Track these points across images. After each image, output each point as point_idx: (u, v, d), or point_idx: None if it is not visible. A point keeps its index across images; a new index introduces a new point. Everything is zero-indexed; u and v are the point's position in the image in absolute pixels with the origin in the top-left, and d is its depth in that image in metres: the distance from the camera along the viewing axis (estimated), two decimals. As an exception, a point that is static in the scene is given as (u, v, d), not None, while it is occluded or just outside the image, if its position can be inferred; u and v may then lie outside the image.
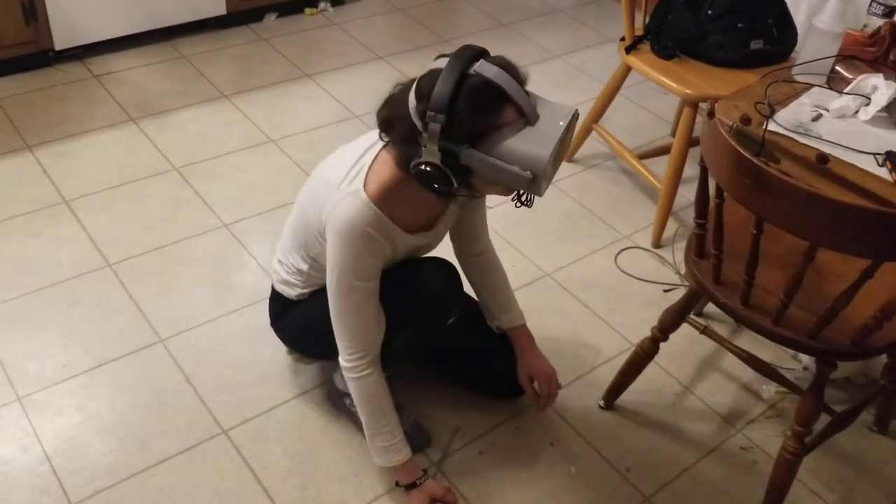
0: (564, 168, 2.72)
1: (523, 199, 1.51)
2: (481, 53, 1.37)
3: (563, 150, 1.42)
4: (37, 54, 2.84)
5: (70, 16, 2.83)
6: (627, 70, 2.43)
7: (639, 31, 2.40)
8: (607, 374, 1.94)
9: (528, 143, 1.33)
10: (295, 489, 1.70)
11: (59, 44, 2.87)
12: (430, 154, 1.35)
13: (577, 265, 2.33)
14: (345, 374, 1.59)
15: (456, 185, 1.38)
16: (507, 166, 1.34)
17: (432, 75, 1.34)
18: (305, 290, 1.71)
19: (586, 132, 2.66)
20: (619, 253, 2.39)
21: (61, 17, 2.81)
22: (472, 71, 1.32)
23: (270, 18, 3.35)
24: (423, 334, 1.67)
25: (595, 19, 3.65)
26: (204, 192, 2.45)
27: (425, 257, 1.69)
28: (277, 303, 1.80)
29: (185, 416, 1.82)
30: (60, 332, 1.99)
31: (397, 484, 1.68)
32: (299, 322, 1.77)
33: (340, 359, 1.58)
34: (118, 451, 1.74)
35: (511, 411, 1.89)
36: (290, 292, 1.74)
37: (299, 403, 1.87)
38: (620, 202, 2.59)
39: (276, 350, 1.97)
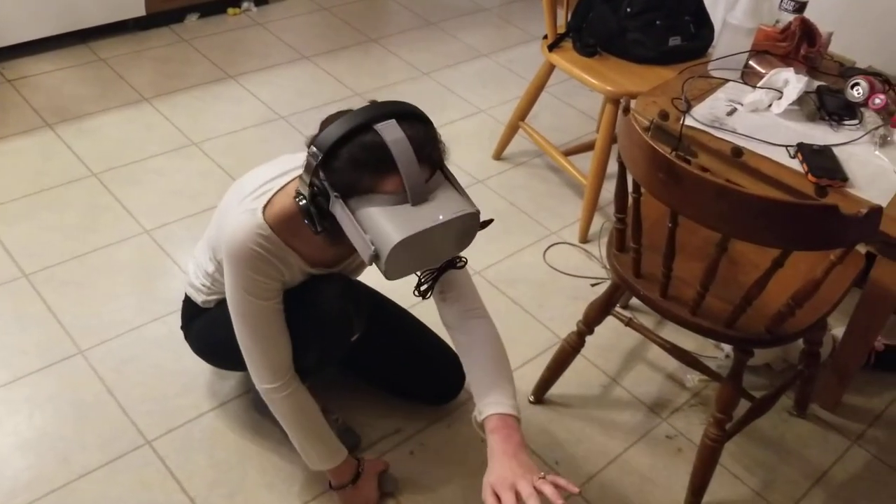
0: (493, 166, 2.73)
1: (420, 288, 1.48)
2: (402, 115, 1.28)
3: (436, 247, 1.32)
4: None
5: (-22, 18, 2.72)
6: (551, 68, 2.46)
7: (561, 30, 2.43)
8: (537, 370, 1.96)
9: (391, 221, 1.24)
10: (222, 498, 1.67)
11: (-32, 47, 2.76)
12: (304, 188, 1.32)
13: (505, 262, 2.35)
14: (264, 397, 1.54)
15: (319, 228, 1.32)
16: (361, 232, 1.26)
17: (343, 114, 1.30)
18: (211, 298, 1.67)
19: (513, 130, 2.69)
20: (547, 249, 2.41)
21: (-31, 19, 2.70)
22: (376, 126, 1.25)
23: (192, 19, 3.28)
24: (327, 353, 1.61)
25: (521, 18, 3.68)
26: (124, 199, 2.39)
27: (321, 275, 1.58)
28: (187, 307, 1.76)
29: (108, 428, 1.77)
30: (-28, 347, 1.91)
31: (331, 486, 1.65)
32: (205, 331, 1.73)
33: (255, 384, 1.53)
34: (38, 467, 1.68)
35: (443, 410, 1.89)
36: (197, 297, 1.70)
37: (225, 412, 1.84)
38: (548, 199, 2.62)
39: (199, 359, 1.93)
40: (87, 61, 2.97)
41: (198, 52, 3.11)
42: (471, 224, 1.32)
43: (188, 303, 1.75)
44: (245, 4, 3.40)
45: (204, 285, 1.67)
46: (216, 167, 2.56)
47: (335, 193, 1.28)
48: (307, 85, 3.01)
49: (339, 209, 1.29)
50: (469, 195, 1.35)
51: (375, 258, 1.26)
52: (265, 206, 1.44)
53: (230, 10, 3.37)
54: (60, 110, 2.70)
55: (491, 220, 1.40)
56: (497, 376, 1.48)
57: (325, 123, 1.32)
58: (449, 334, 1.58)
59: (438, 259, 1.41)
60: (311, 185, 1.30)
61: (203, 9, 3.29)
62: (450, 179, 1.34)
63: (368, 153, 1.25)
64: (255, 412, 1.83)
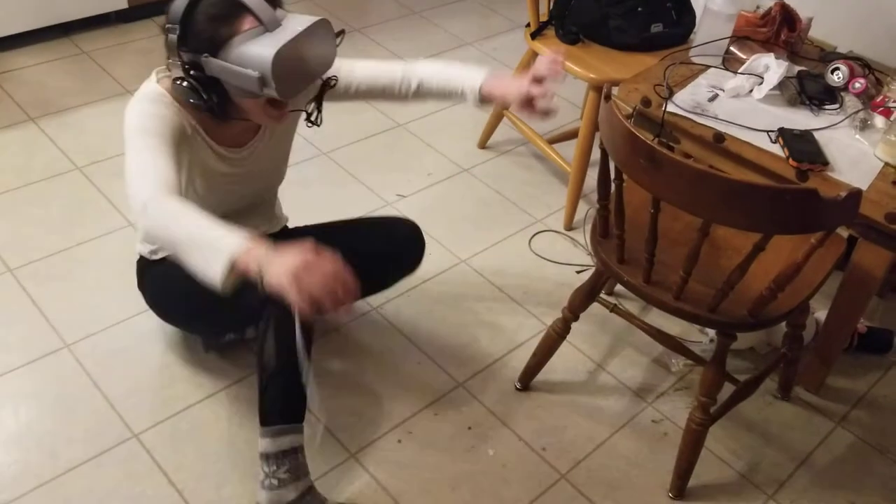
0: (478, 154, 2.74)
1: (311, 118, 1.61)
2: None
3: (309, 60, 1.45)
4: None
5: (-42, 11, 2.70)
6: (534, 56, 2.46)
7: (544, 18, 2.43)
8: (524, 357, 1.97)
9: (260, 46, 1.37)
10: (209, 490, 1.67)
11: (-52, 41, 2.74)
12: (176, 68, 1.42)
13: (491, 251, 2.36)
14: (140, 220, 1.34)
15: (206, 97, 1.43)
16: (240, 69, 1.38)
17: None
18: (156, 248, 1.70)
19: (498, 118, 2.69)
20: (532, 237, 2.42)
21: (-52, 13, 2.68)
22: None
23: (175, 11, 3.26)
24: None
25: (505, 6, 3.68)
26: (109, 192, 2.38)
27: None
28: (139, 264, 1.80)
29: (94, 422, 1.77)
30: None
31: (261, 282, 1.23)
32: (157, 283, 1.75)
33: (134, 204, 1.34)
34: (24, 462, 1.68)
35: (429, 398, 1.90)
36: (144, 249, 1.73)
37: (211, 403, 1.84)
38: (533, 187, 2.62)
39: (186, 350, 1.94)
40: (70, 54, 2.95)
41: (181, 44, 3.10)
42: (326, 31, 1.46)
43: (140, 260, 1.79)
44: (228, -5, 3.38)
45: None
46: (201, 159, 2.55)
47: (204, 55, 1.40)
48: (291, 76, 3.00)
49: (214, 66, 1.41)
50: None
51: (262, 82, 1.38)
52: (157, 82, 1.52)
53: (213, 2, 3.35)
54: (44, 104, 2.68)
55: (343, 31, 1.51)
56: (452, 68, 1.69)
57: (169, 2, 1.42)
58: (401, 103, 1.75)
59: (315, 72, 1.51)
60: (181, 61, 1.42)
61: (185, 0, 3.27)
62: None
63: (218, 6, 1.39)
64: (241, 404, 1.84)
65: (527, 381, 1.95)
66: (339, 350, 2.00)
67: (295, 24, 1.41)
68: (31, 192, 2.35)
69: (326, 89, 1.64)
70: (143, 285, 1.81)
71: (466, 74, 1.67)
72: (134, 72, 2.89)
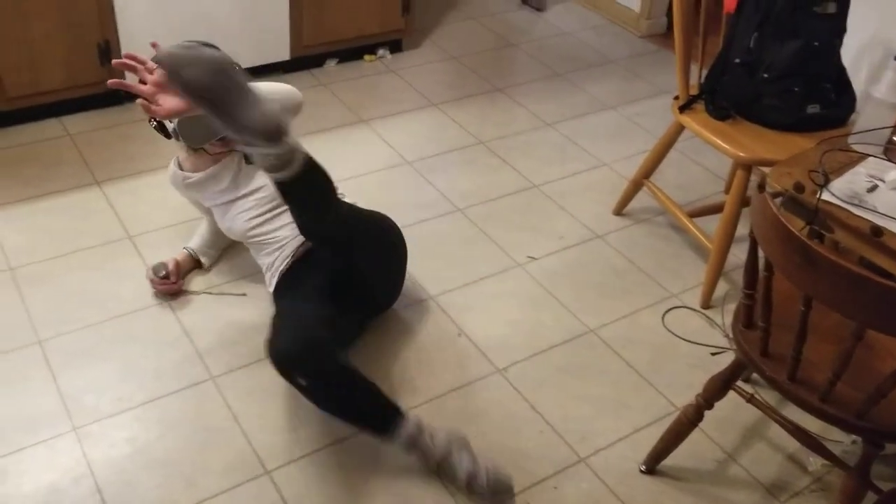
0: (612, 221, 2.72)
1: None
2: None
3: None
4: (110, 93, 2.97)
5: (141, 58, 2.96)
6: (680, 128, 2.44)
7: (693, 90, 2.40)
8: (649, 437, 1.92)
9: None
10: (332, 538, 1.72)
11: (130, 84, 3.00)
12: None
13: (621, 322, 2.33)
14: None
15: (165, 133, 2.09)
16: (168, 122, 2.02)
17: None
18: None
19: (636, 187, 2.67)
20: (666, 312, 2.37)
21: (133, 59, 2.94)
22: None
23: (331, 64, 3.45)
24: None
25: (650, 71, 3.67)
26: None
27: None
28: None
29: (232, 455, 1.86)
30: (118, 366, 2.06)
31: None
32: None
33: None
34: (165, 487, 1.79)
35: (549, 470, 1.89)
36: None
37: (341, 449, 1.90)
38: (669, 259, 2.58)
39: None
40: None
41: (334, 95, 3.27)
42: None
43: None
44: (381, 52, 3.55)
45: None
46: (344, 208, 2.66)
47: None
48: (433, 131, 3.10)
49: None
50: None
51: (175, 133, 2.07)
52: None
53: (367, 57, 3.52)
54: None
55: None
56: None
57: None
58: None
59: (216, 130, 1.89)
60: None
61: (342, 55, 3.46)
62: None
63: None
64: (366, 454, 1.88)
65: (653, 465, 1.90)
66: (460, 410, 2.02)
67: None
68: (187, 227, 2.52)
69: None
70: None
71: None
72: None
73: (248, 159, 2.09)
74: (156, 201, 2.61)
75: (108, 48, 2.86)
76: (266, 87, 1.83)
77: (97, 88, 2.91)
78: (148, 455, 1.85)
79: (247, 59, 3.19)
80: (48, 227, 2.48)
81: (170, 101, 1.68)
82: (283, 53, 3.26)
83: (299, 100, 1.97)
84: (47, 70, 2.81)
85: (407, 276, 2.43)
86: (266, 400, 2.00)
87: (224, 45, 3.09)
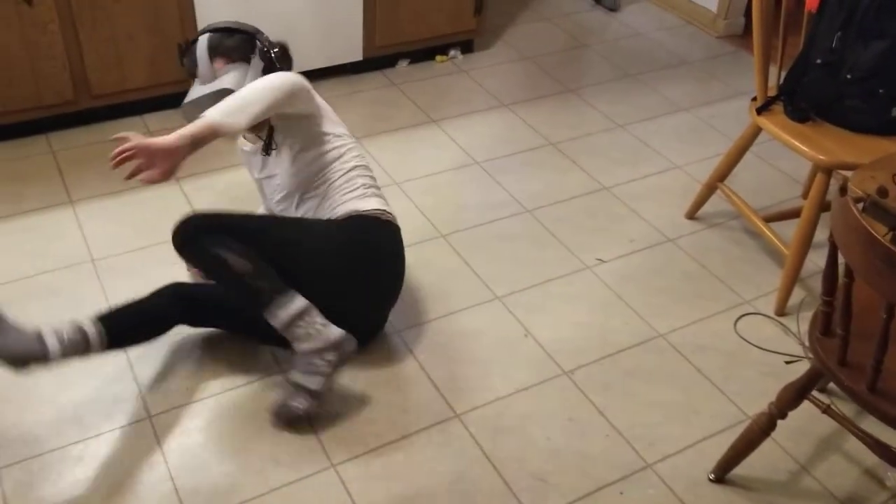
0: (685, 225, 2.67)
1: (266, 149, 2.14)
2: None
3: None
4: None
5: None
6: (757, 130, 2.38)
7: (772, 92, 2.34)
8: (719, 445, 1.88)
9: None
10: (396, 533, 1.74)
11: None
12: None
13: (692, 327, 2.28)
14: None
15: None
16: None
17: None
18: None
19: (710, 190, 2.61)
20: (738, 318, 2.32)
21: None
22: None
23: (402, 65, 3.48)
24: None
25: (726, 73, 3.58)
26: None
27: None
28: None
29: (299, 446, 1.90)
30: (193, 358, 2.12)
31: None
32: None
33: None
34: (235, 475, 1.83)
35: (616, 475, 1.87)
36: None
37: (405, 445, 1.92)
38: (743, 264, 2.52)
39: (385, 389, 2.03)
40: (307, 100, 3.23)
41: (405, 96, 3.30)
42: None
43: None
44: (452, 52, 3.56)
45: None
46: (413, 207, 2.69)
47: None
48: (504, 132, 3.10)
49: None
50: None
51: None
52: None
53: (438, 58, 3.54)
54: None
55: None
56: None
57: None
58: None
59: None
60: None
61: (413, 55, 3.49)
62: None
63: None
64: (434, 450, 1.89)
65: (722, 474, 1.86)
66: (526, 412, 2.01)
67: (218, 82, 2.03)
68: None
69: None
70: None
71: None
72: (361, 120, 3.12)
73: (266, 149, 2.12)
74: (233, 197, 2.69)
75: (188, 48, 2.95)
76: (245, 92, 1.84)
77: (177, 87, 3.00)
78: (220, 444, 1.90)
79: (318, 60, 3.25)
80: (130, 219, 2.57)
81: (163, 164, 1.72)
82: (355, 54, 3.31)
83: (288, 88, 1.89)
84: (131, 69, 2.92)
85: (475, 275, 2.45)
86: (331, 395, 2.03)
87: (298, 46, 3.18)
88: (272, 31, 3.07)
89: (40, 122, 2.90)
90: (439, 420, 1.98)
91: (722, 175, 2.54)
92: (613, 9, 4.08)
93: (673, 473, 1.88)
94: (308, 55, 3.23)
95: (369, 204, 2.08)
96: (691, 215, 2.70)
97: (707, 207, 2.69)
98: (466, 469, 1.87)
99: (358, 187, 2.10)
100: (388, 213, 2.12)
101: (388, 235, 2.09)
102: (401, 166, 2.89)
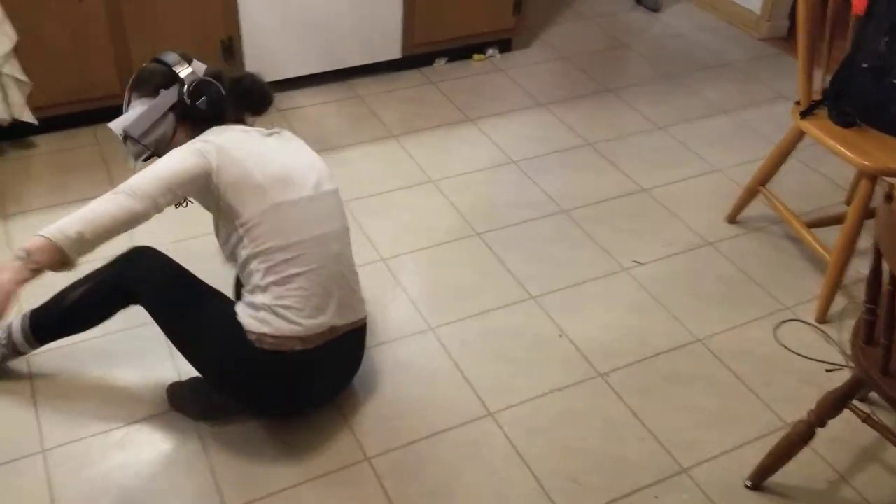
0: (725, 229, 2.64)
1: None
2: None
3: None
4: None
5: (262, 55, 3.07)
6: (801, 135, 2.34)
7: (816, 96, 2.30)
8: (756, 452, 1.86)
9: None
10: (428, 530, 1.74)
11: (250, 79, 3.13)
12: None
13: (731, 333, 2.26)
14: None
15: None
16: None
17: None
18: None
19: (751, 194, 2.58)
20: (778, 325, 2.28)
21: (255, 55, 3.06)
22: None
23: (440, 63, 3.49)
24: None
25: (769, 75, 3.53)
26: (366, 227, 2.58)
27: None
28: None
29: (334, 439, 1.92)
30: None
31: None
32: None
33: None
34: (273, 461, 1.85)
35: (650, 479, 1.85)
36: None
37: (435, 441, 1.92)
38: (784, 270, 2.48)
39: (416, 385, 2.04)
40: (347, 97, 3.25)
41: (443, 94, 3.30)
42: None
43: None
44: (490, 51, 3.56)
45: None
46: (449, 205, 2.69)
47: None
48: (540, 131, 3.09)
49: None
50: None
51: None
52: None
53: (475, 56, 3.54)
54: (320, 139, 2.97)
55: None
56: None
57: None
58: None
59: None
60: None
61: (451, 54, 3.49)
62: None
63: None
64: (464, 449, 1.90)
65: (759, 481, 1.84)
66: (560, 413, 2.01)
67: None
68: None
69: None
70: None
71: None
72: (399, 117, 3.13)
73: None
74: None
75: (231, 45, 2.99)
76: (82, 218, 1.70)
77: (220, 83, 3.05)
78: (255, 431, 1.92)
79: (357, 58, 3.27)
80: (173, 211, 2.61)
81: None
82: (394, 52, 3.33)
83: (123, 220, 1.74)
84: (175, 65, 2.96)
85: (510, 274, 2.45)
86: (365, 390, 2.04)
87: (338, 44, 3.21)
88: (314, 28, 3.11)
89: (87, 115, 2.95)
90: (473, 418, 1.98)
91: (764, 179, 2.51)
92: (655, 9, 4.05)
93: (708, 479, 1.86)
94: (347, 53, 3.25)
95: (254, 310, 1.80)
96: (732, 219, 2.67)
97: (748, 212, 2.66)
98: (499, 468, 1.87)
99: (251, 283, 1.82)
100: (273, 323, 1.78)
101: (270, 368, 1.81)
102: (437, 164, 2.89)
